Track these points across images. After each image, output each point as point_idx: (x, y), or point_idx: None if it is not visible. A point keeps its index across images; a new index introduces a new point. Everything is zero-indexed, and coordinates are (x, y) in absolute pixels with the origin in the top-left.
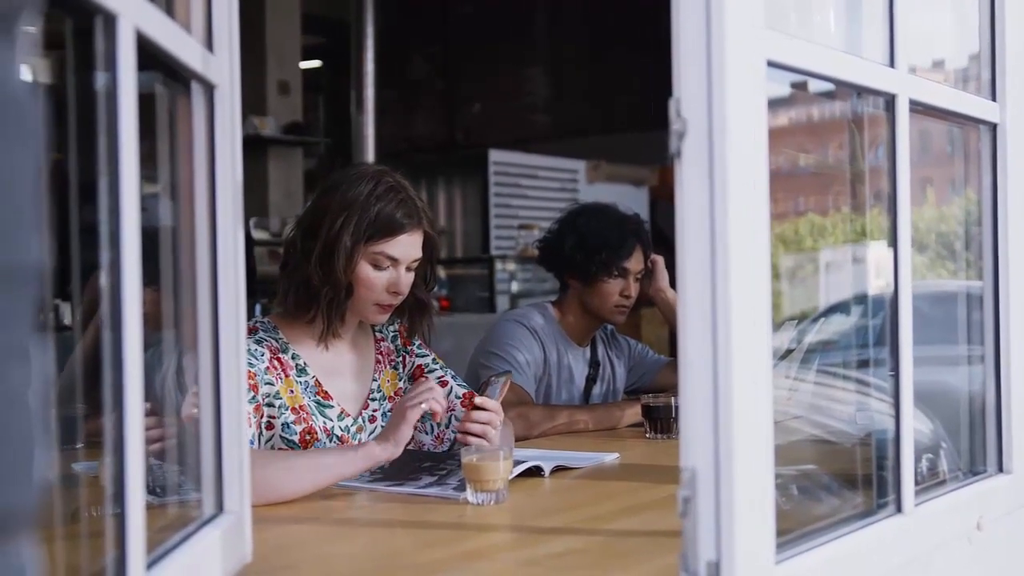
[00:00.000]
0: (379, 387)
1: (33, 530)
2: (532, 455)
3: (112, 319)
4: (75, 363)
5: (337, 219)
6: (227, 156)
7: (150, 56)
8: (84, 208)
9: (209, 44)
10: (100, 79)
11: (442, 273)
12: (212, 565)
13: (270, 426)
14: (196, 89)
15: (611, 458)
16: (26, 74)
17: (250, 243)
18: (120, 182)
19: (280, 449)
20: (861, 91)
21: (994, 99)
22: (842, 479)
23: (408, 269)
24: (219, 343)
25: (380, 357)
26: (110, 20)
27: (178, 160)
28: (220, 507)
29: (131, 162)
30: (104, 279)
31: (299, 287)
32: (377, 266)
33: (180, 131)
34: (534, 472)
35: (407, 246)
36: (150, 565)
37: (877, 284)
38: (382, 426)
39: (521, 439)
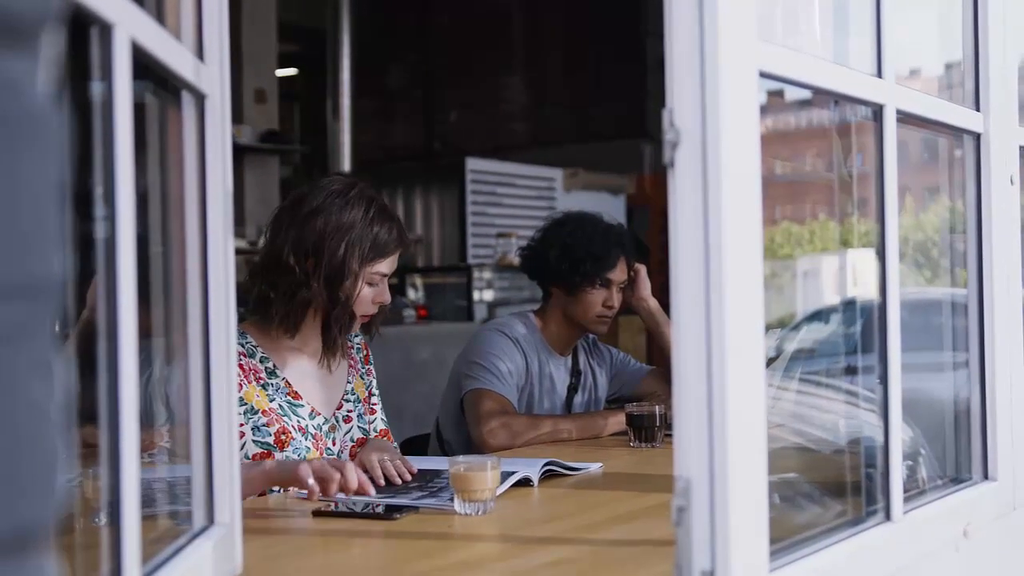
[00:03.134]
0: (352, 389)
1: (54, 543)
2: (518, 464)
3: (107, 329)
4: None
5: (339, 245)
6: (218, 166)
7: (142, 65)
8: (76, 217)
9: (200, 54)
10: (95, 88)
11: (419, 281)
12: None
13: (239, 435)
14: (187, 99)
15: (595, 468)
16: (47, 88)
17: None
18: (116, 191)
19: (253, 454)
20: (850, 101)
21: (977, 109)
22: (829, 487)
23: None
24: (209, 353)
25: (352, 362)
26: (106, 30)
27: (168, 169)
28: (211, 519)
29: (126, 171)
30: (100, 289)
31: (299, 307)
32: (371, 283)
33: (170, 140)
34: (522, 482)
35: (395, 261)
36: None
37: (857, 292)
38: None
39: (505, 448)
